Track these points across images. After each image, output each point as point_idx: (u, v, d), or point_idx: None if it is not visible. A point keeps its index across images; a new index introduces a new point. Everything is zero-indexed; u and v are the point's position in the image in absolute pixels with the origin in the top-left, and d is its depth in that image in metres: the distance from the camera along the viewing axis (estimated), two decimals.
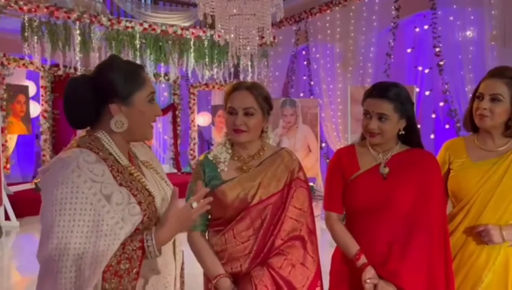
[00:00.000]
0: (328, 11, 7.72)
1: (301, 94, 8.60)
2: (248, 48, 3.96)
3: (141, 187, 1.24)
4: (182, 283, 1.41)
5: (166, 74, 8.43)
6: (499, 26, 5.28)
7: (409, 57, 6.81)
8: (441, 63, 5.97)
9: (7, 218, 5.95)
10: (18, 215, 5.98)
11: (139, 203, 1.19)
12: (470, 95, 5.58)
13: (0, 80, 6.43)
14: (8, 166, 6.66)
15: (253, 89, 1.62)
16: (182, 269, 1.40)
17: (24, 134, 7.09)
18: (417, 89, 6.46)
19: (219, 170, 1.64)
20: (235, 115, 1.60)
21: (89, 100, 1.21)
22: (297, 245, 1.59)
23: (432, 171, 1.65)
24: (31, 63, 6.91)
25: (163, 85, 9.38)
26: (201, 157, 1.72)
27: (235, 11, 3.47)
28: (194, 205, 1.23)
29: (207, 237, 1.68)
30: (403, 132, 1.67)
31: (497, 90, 1.67)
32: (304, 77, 8.58)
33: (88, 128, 1.28)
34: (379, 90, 1.64)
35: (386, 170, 1.66)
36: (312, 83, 8.32)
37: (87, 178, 1.12)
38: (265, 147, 1.69)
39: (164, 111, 9.27)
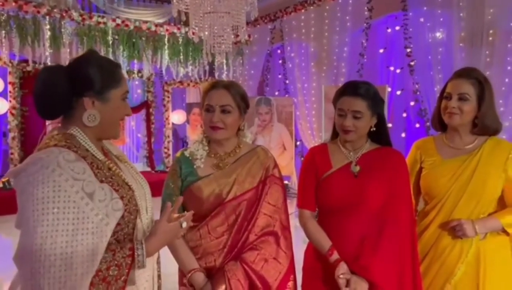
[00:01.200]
0: (303, 10, 7.77)
1: (276, 93, 8.64)
2: (223, 46, 3.96)
3: (121, 182, 1.24)
4: (159, 276, 1.41)
5: (139, 71, 8.31)
6: (467, 28, 5.44)
7: (381, 57, 6.94)
8: (412, 63, 6.11)
9: None
10: None
11: (121, 198, 1.19)
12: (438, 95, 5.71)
13: None
14: None
15: (231, 88, 1.66)
16: (157, 262, 1.40)
17: None
18: (389, 89, 6.58)
19: (195, 167, 1.67)
20: (212, 112, 1.63)
21: (64, 90, 1.20)
22: (270, 240, 1.62)
23: (401, 169, 1.70)
24: None
25: (137, 82, 9.25)
26: (178, 154, 1.75)
27: (209, 8, 3.47)
28: (184, 225, 1.28)
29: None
30: (374, 129, 1.71)
31: (464, 90, 1.74)
32: (279, 76, 8.62)
33: (59, 125, 1.25)
34: (353, 89, 1.68)
35: (357, 168, 1.70)
36: (287, 82, 8.37)
37: (69, 176, 1.10)
38: (241, 144, 1.73)
39: (138, 108, 9.15)
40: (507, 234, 1.74)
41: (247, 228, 1.61)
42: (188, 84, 8.67)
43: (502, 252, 1.77)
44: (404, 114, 6.52)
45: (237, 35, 4.36)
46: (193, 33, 4.25)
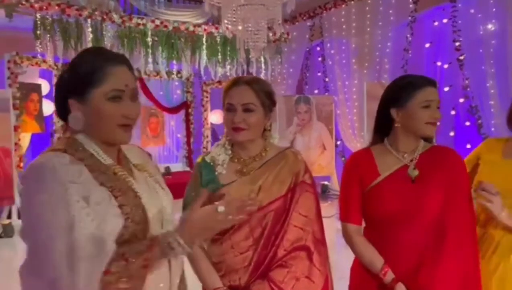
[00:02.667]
0: (343, 5, 7.53)
1: (316, 91, 8.44)
2: (258, 42, 3.79)
3: (126, 188, 1.13)
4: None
5: (178, 71, 8.35)
6: None
7: (428, 52, 6.59)
8: (461, 58, 5.75)
9: (20, 217, 5.96)
10: None
11: (120, 206, 1.08)
12: (492, 91, 5.35)
13: (13, 79, 6.43)
14: (22, 164, 6.67)
15: (254, 84, 1.50)
16: (181, 280, 1.26)
17: (37, 132, 7.10)
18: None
19: (216, 173, 1.52)
20: (234, 112, 1.48)
21: (58, 94, 1.16)
22: (302, 256, 1.45)
23: (460, 170, 1.52)
24: (44, 61, 6.89)
25: (176, 83, 9.32)
26: (199, 159, 1.61)
27: (242, 1, 3.30)
28: (220, 209, 1.10)
29: (204, 247, 1.56)
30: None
31: None
32: (319, 74, 8.41)
33: (65, 126, 1.20)
34: (428, 80, 1.55)
35: (416, 172, 1.51)
36: (327, 79, 8.15)
37: (65, 180, 1.03)
38: (268, 147, 1.56)
39: (177, 109, 9.22)
40: None
41: (275, 242, 1.44)
42: None
43: None
44: (453, 112, 6.15)
45: (274, 32, 4.18)
46: (227, 28, 4.12)
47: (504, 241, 1.54)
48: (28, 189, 1.05)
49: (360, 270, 1.58)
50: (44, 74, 7.53)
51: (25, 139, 6.85)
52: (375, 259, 1.51)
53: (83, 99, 1.10)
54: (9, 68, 6.43)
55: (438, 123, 1.53)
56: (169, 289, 1.19)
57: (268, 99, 1.52)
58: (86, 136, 1.15)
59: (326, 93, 8.02)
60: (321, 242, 1.51)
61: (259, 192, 1.47)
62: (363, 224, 1.62)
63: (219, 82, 8.45)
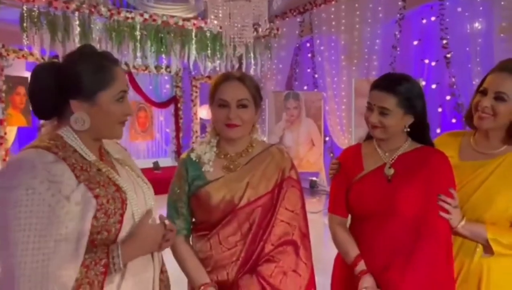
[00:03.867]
0: (333, 2, 7.54)
1: (305, 87, 8.45)
2: (244, 37, 3.79)
3: (106, 181, 1.14)
4: (165, 286, 1.31)
5: (168, 66, 8.31)
6: (508, 17, 5.12)
7: (416, 49, 6.64)
8: (448, 55, 5.82)
9: None
10: None
11: (96, 197, 1.09)
12: None
13: None
14: (8, 158, 6.60)
15: (245, 80, 1.50)
16: (162, 271, 1.29)
17: (23, 126, 7.02)
18: (423, 83, 6.30)
19: (203, 170, 1.51)
20: (228, 108, 1.47)
21: (50, 92, 1.12)
22: (289, 250, 1.46)
23: (441, 172, 1.50)
24: (31, 54, 6.82)
25: (166, 78, 9.27)
26: (184, 155, 1.59)
27: None
28: (167, 222, 1.20)
29: (191, 243, 1.56)
30: (408, 129, 1.54)
31: (503, 88, 1.48)
32: (309, 70, 8.43)
33: (55, 122, 1.17)
34: (384, 83, 1.52)
35: (391, 171, 1.52)
36: (316, 76, 8.17)
37: (44, 178, 1.02)
38: (254, 143, 1.57)
39: (166, 104, 9.18)
40: (491, 251, 1.48)
41: (262, 237, 1.45)
42: None
43: None
44: (440, 109, 6.22)
45: (259, 25, 4.14)
46: (213, 24, 4.12)
47: (467, 241, 1.53)
48: (4, 183, 1.03)
49: (342, 262, 1.61)
50: (30, 67, 7.42)
51: (11, 133, 6.78)
52: (351, 250, 1.54)
53: (90, 100, 1.12)
54: None
55: (380, 126, 1.52)
56: (153, 279, 1.22)
57: (258, 94, 1.53)
58: (71, 131, 1.14)
59: (315, 90, 8.04)
60: (306, 236, 1.53)
61: (247, 188, 1.47)
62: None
63: (209, 77, 8.42)
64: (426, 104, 1.56)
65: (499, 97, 1.49)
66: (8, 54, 6.53)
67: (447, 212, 1.47)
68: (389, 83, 1.51)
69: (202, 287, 1.44)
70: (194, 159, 1.54)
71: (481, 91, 1.55)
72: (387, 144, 1.57)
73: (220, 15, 3.67)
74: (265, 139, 6.08)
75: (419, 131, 1.56)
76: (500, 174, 1.50)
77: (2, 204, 1.02)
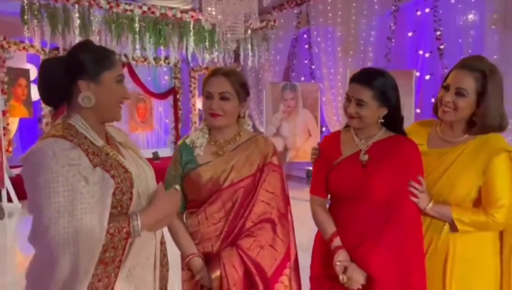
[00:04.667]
0: None
1: (302, 78, 8.56)
2: (236, 33, 3.94)
3: (116, 164, 1.30)
4: (164, 255, 1.46)
5: (166, 58, 8.41)
6: (500, 10, 5.22)
7: (410, 41, 6.74)
8: (442, 47, 5.92)
9: (9, 200, 6.05)
10: (20, 197, 6.07)
11: (112, 177, 1.25)
12: None
13: (0, 63, 6.47)
14: (11, 148, 6.74)
15: (230, 75, 1.67)
16: (161, 243, 1.45)
17: (25, 117, 7.15)
18: (417, 74, 6.42)
19: (195, 154, 1.69)
20: (212, 99, 1.65)
21: (60, 78, 1.28)
22: (267, 227, 1.63)
23: (411, 159, 1.64)
24: (32, 46, 6.92)
25: (165, 69, 9.38)
26: (180, 142, 1.78)
27: None
28: (178, 187, 1.38)
29: (184, 219, 1.74)
30: (382, 120, 1.68)
31: (463, 85, 1.61)
32: (306, 61, 8.53)
33: (64, 114, 1.32)
34: (362, 77, 1.65)
35: (366, 157, 1.67)
36: (313, 67, 8.28)
37: (65, 163, 1.18)
38: (241, 132, 1.74)
39: (165, 95, 9.29)
40: (456, 229, 1.63)
41: (243, 214, 1.63)
42: None
43: (477, 251, 1.66)
44: (433, 100, 6.30)
45: (255, 24, 4.27)
46: (206, 20, 4.26)
47: (435, 220, 1.67)
48: (31, 169, 1.19)
49: (321, 238, 1.76)
50: (31, 59, 7.55)
51: (13, 124, 6.91)
52: (328, 228, 1.69)
53: (96, 80, 1.29)
54: None
55: (356, 116, 1.64)
56: (155, 246, 1.38)
57: (242, 89, 1.69)
58: (80, 118, 1.29)
59: (312, 81, 8.15)
60: (284, 216, 1.69)
61: (231, 171, 1.65)
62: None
63: (207, 68, 8.53)
64: (400, 97, 1.68)
65: (459, 93, 1.62)
66: (9, 47, 6.65)
67: (416, 196, 1.62)
68: (366, 77, 1.64)
69: (190, 257, 1.63)
70: (188, 143, 1.72)
71: (445, 86, 1.68)
72: (363, 132, 1.71)
73: (214, 12, 3.81)
74: (263, 130, 6.26)
75: (393, 121, 1.70)
76: (462, 160, 1.64)
77: (34, 187, 1.17)
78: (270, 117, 7.79)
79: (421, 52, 6.54)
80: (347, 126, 1.78)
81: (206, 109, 1.67)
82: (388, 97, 1.64)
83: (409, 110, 6.17)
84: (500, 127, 1.66)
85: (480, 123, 1.63)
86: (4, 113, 6.37)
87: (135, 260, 1.30)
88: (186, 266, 1.65)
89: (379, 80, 1.63)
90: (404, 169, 1.62)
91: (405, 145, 1.67)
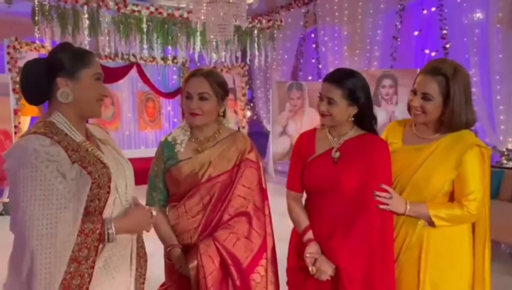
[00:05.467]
0: None
1: (310, 78, 8.59)
2: (225, 35, 4.02)
3: (94, 160, 1.36)
4: (141, 247, 1.52)
5: (174, 57, 8.51)
6: (505, 9, 5.20)
7: (416, 40, 6.74)
8: (447, 46, 5.91)
9: None
10: None
11: (89, 173, 1.31)
12: (474, 78, 5.52)
13: (12, 63, 6.62)
14: None
15: (209, 76, 1.73)
16: (138, 235, 1.50)
17: (36, 116, 7.31)
18: None
19: (176, 151, 1.76)
20: (191, 99, 1.71)
21: (40, 76, 1.35)
22: (243, 220, 1.70)
23: (380, 156, 1.70)
24: (43, 47, 7.06)
25: (174, 69, 9.48)
26: (163, 139, 1.85)
27: None
28: (154, 213, 1.47)
29: (167, 212, 1.82)
30: (352, 118, 1.74)
31: (427, 90, 1.67)
32: (313, 60, 8.56)
33: (45, 111, 1.39)
34: (333, 77, 1.72)
35: (337, 154, 1.73)
36: (320, 66, 8.31)
37: (44, 159, 1.24)
38: (221, 129, 1.80)
39: (174, 94, 9.39)
40: (434, 225, 1.68)
41: (220, 208, 1.69)
42: (221, 70, 8.79)
43: (450, 244, 1.73)
44: None
45: (244, 25, 4.33)
46: (197, 23, 4.34)
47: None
48: (13, 164, 1.26)
49: (297, 233, 1.81)
50: None
51: (25, 122, 7.07)
52: (302, 221, 1.76)
53: (74, 77, 1.36)
54: (8, 53, 6.62)
55: (327, 114, 1.70)
56: (131, 243, 1.46)
57: (221, 89, 1.75)
58: (60, 115, 1.36)
59: (319, 80, 8.17)
60: (260, 210, 1.75)
61: (209, 167, 1.72)
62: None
63: (214, 68, 8.60)
64: (371, 97, 1.74)
65: (425, 97, 1.69)
66: (21, 47, 6.80)
67: (385, 204, 1.68)
68: (336, 77, 1.71)
69: (170, 247, 1.71)
70: (170, 140, 1.80)
71: (413, 91, 1.75)
72: (336, 130, 1.77)
73: (203, 17, 3.90)
74: (269, 128, 6.31)
75: (364, 120, 1.76)
76: (437, 155, 1.71)
77: (14, 180, 1.24)
78: (277, 116, 7.84)
79: (427, 51, 6.53)
80: (321, 124, 1.83)
81: (186, 108, 1.74)
82: (358, 97, 1.70)
83: None
84: (467, 125, 1.72)
85: (447, 122, 1.70)
86: (15, 112, 6.53)
87: (111, 251, 1.36)
88: (166, 256, 1.72)
89: (349, 80, 1.69)
90: (372, 166, 1.68)
91: (375, 142, 1.73)
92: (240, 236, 1.68)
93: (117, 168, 1.43)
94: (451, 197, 1.73)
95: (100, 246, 1.32)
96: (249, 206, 1.72)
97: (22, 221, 1.21)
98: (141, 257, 1.50)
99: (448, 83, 1.66)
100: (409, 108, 1.79)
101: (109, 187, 1.35)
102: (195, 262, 1.62)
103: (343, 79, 1.69)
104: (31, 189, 1.21)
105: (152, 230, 1.60)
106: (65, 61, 1.35)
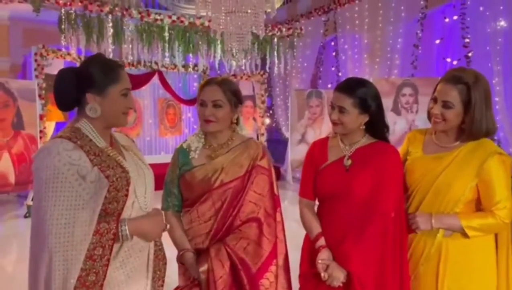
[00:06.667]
0: (356, 1, 7.66)
1: (329, 86, 8.58)
2: (242, 44, 4.08)
3: (114, 164, 1.42)
4: (160, 249, 1.58)
5: (195, 65, 8.63)
6: None
7: (438, 48, 6.67)
8: (469, 54, 5.83)
9: None
10: None
11: (107, 177, 1.37)
12: (498, 88, 5.45)
13: (39, 70, 6.83)
14: None
15: (222, 84, 1.78)
16: (155, 244, 1.56)
17: (61, 121, 7.51)
18: None
19: (190, 157, 1.81)
20: (205, 107, 1.76)
21: (71, 88, 1.43)
22: (253, 226, 1.73)
23: (391, 163, 1.72)
24: (68, 54, 7.27)
25: (195, 76, 9.60)
26: (178, 146, 1.91)
27: (231, 8, 3.58)
28: (168, 226, 1.57)
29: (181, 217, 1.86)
30: (364, 126, 1.76)
31: (448, 98, 1.68)
32: (333, 68, 8.56)
33: (75, 118, 1.47)
34: (343, 86, 1.75)
35: (349, 162, 1.75)
36: (340, 74, 8.29)
37: (66, 162, 1.32)
38: (234, 136, 1.84)
39: (194, 101, 9.49)
40: (467, 236, 1.67)
41: (232, 213, 1.73)
42: (241, 78, 8.88)
43: (471, 254, 1.71)
44: None
45: (261, 35, 4.38)
46: (215, 31, 4.41)
47: None
48: (38, 165, 1.35)
49: (309, 239, 1.83)
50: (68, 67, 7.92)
51: (50, 127, 7.27)
52: (314, 228, 1.78)
53: (101, 94, 1.43)
54: (36, 60, 6.83)
55: (339, 123, 1.73)
56: (148, 245, 1.52)
57: (234, 97, 1.80)
58: (87, 123, 1.44)
59: None
60: (271, 216, 1.78)
61: (221, 172, 1.76)
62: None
63: (234, 75, 8.69)
64: (382, 106, 1.76)
65: (445, 105, 1.70)
66: (48, 54, 7.00)
67: (417, 227, 1.70)
68: (347, 86, 1.74)
69: (182, 252, 1.76)
70: (185, 147, 1.85)
71: (433, 99, 1.76)
72: (348, 138, 1.79)
73: (221, 27, 3.96)
74: (288, 136, 6.32)
75: (375, 128, 1.78)
76: (456, 164, 1.71)
77: (37, 181, 1.33)
78: (295, 124, 7.86)
79: (448, 59, 6.44)
80: (335, 133, 1.85)
81: (200, 116, 1.79)
82: (369, 105, 1.72)
83: None
84: (488, 133, 1.72)
85: (468, 130, 1.70)
86: (41, 117, 6.73)
87: (128, 252, 1.42)
88: (179, 260, 1.77)
89: (359, 89, 1.71)
90: (383, 172, 1.70)
91: (386, 150, 1.75)
92: (250, 241, 1.70)
93: (137, 173, 1.50)
94: (474, 206, 1.73)
95: (117, 246, 1.38)
96: (260, 212, 1.75)
97: (43, 219, 1.28)
98: (160, 259, 1.56)
99: (469, 91, 1.66)
100: (429, 116, 1.80)
101: (127, 190, 1.41)
102: (206, 266, 1.66)
103: (354, 88, 1.72)
104: (53, 189, 1.29)
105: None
106: (95, 76, 1.41)
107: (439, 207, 1.71)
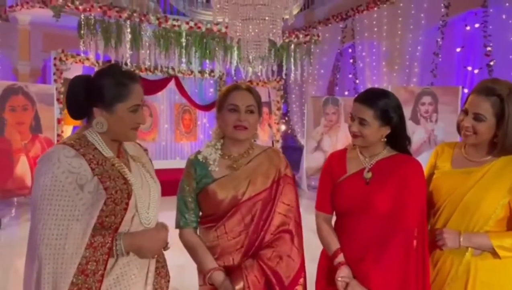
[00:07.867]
0: (375, 8, 7.58)
1: (346, 93, 8.50)
2: (259, 51, 4.04)
3: (116, 176, 1.37)
4: (162, 267, 1.52)
5: (211, 71, 8.65)
6: None
7: (458, 56, 6.56)
8: (491, 63, 5.70)
9: None
10: None
11: (106, 188, 1.32)
12: None
13: (58, 75, 6.92)
14: None
15: (252, 90, 1.72)
16: (157, 261, 1.49)
17: (78, 125, 7.58)
18: (465, 90, 6.20)
19: (210, 169, 1.70)
20: (238, 112, 1.65)
21: (80, 98, 1.39)
22: (285, 238, 1.65)
23: (413, 177, 1.64)
24: (87, 59, 7.36)
25: (211, 82, 9.62)
26: (191, 157, 1.77)
27: (250, 14, 3.54)
28: (169, 246, 1.48)
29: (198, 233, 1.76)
30: (385, 139, 1.68)
31: (480, 110, 1.60)
32: (350, 76, 8.48)
33: (83, 125, 1.44)
34: (364, 97, 1.67)
35: (369, 175, 1.68)
36: (357, 81, 8.21)
37: (65, 169, 1.28)
38: (253, 146, 1.77)
39: (210, 107, 9.53)
40: (498, 256, 1.58)
41: (263, 227, 1.64)
42: (257, 84, 8.84)
43: (501, 276, 1.61)
44: None
45: (278, 42, 4.34)
46: (232, 38, 4.39)
47: None
48: (38, 170, 1.31)
49: (326, 255, 1.76)
50: (87, 71, 8.01)
51: (67, 131, 7.34)
52: (332, 244, 1.70)
53: (109, 110, 1.38)
54: (55, 64, 6.92)
55: (359, 135, 1.66)
56: (148, 264, 1.44)
57: (259, 104, 1.73)
58: (94, 132, 1.40)
59: (356, 95, 8.06)
60: (300, 225, 1.71)
61: (249, 185, 1.67)
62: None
63: (250, 82, 8.67)
64: (404, 117, 1.68)
65: (477, 118, 1.61)
66: (67, 59, 7.10)
67: (444, 244, 1.62)
68: (368, 97, 1.66)
69: (211, 271, 1.61)
70: (201, 159, 1.73)
71: (464, 110, 1.68)
72: (368, 150, 1.72)
73: (238, 34, 3.92)
74: (303, 143, 6.24)
75: (397, 140, 1.70)
76: (488, 179, 1.63)
77: (35, 187, 1.29)
78: (311, 131, 7.78)
79: (469, 68, 6.33)
80: (354, 145, 1.79)
81: (231, 122, 1.66)
82: (390, 117, 1.64)
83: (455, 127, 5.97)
84: None
85: (501, 144, 1.62)
86: (59, 121, 6.80)
87: (124, 269, 1.36)
88: (208, 281, 1.63)
89: (381, 100, 1.64)
90: (405, 187, 1.62)
91: (408, 163, 1.67)
92: (282, 254, 1.63)
93: (141, 186, 1.44)
94: (508, 225, 1.64)
95: (112, 261, 1.33)
96: (291, 223, 1.68)
97: (36, 227, 1.25)
98: (162, 277, 1.49)
99: (502, 104, 1.58)
100: (459, 129, 1.72)
101: (127, 204, 1.35)
102: (242, 284, 1.57)
103: (375, 99, 1.64)
104: (49, 197, 1.25)
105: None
106: (104, 91, 1.36)
107: (468, 224, 1.63)
